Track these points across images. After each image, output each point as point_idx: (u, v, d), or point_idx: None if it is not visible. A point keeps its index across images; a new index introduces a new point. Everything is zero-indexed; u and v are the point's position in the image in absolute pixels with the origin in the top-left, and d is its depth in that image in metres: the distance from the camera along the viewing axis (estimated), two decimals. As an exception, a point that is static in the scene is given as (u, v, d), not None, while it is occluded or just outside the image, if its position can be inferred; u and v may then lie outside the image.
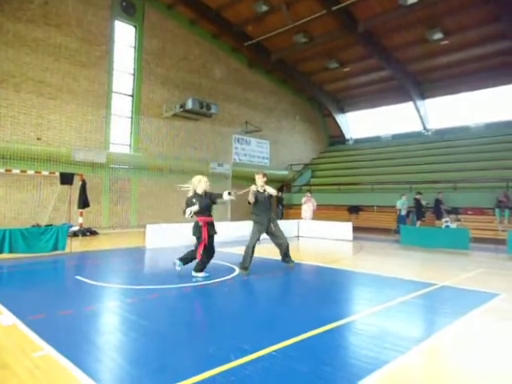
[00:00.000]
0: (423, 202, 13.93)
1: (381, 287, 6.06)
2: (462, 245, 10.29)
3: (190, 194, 6.38)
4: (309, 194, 15.61)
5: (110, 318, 4.36)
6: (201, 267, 6.35)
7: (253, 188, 6.86)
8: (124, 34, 16.20)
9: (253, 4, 15.95)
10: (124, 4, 15.84)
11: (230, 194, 6.44)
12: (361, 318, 4.35)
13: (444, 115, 20.97)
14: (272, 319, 4.38)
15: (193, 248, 6.52)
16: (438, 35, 16.09)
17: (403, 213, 13.76)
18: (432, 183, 16.17)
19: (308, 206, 14.94)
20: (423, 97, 20.87)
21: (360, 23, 16.28)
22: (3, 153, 12.24)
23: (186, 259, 6.41)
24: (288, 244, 7.21)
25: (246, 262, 6.74)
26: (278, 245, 7.17)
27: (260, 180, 7.00)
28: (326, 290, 5.95)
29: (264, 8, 15.88)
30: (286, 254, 7.24)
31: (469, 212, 14.01)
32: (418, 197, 13.90)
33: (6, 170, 11.94)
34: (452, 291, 5.75)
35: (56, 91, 13.82)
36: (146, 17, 16.58)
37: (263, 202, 6.98)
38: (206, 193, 6.41)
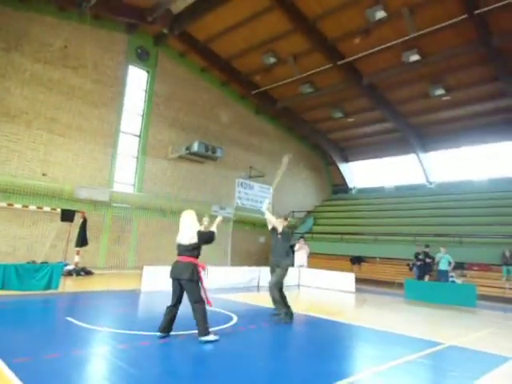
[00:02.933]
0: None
1: (385, 344, 5.75)
2: (469, 302, 9.94)
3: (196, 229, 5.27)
4: (302, 241, 14.05)
5: (99, 365, 4.13)
6: (207, 325, 5.07)
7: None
8: (136, 78, 16.79)
9: (261, 56, 16.64)
10: (139, 51, 16.58)
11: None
12: (365, 377, 4.08)
13: (447, 168, 21.14)
14: (268, 375, 4.11)
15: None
16: (440, 91, 16.56)
17: (442, 267, 12.13)
18: (436, 236, 15.90)
19: (302, 253, 13.65)
20: (426, 149, 21.14)
21: (364, 78, 16.92)
22: (6, 187, 12.27)
23: None
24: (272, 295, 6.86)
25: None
26: None
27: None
28: (327, 345, 5.65)
29: (272, 60, 16.54)
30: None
31: (474, 268, 13.68)
32: None
33: (8, 204, 11.82)
34: (461, 352, 5.45)
35: (65, 129, 14.09)
36: (159, 63, 17.26)
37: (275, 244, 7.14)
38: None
